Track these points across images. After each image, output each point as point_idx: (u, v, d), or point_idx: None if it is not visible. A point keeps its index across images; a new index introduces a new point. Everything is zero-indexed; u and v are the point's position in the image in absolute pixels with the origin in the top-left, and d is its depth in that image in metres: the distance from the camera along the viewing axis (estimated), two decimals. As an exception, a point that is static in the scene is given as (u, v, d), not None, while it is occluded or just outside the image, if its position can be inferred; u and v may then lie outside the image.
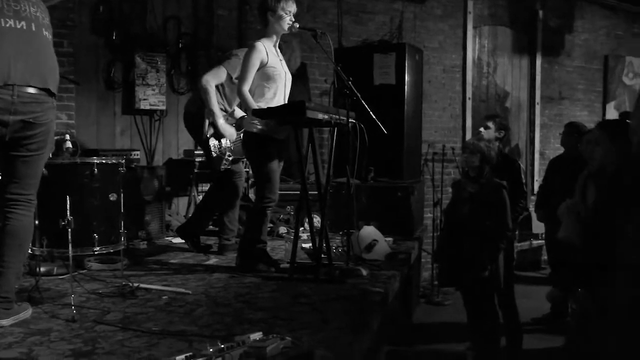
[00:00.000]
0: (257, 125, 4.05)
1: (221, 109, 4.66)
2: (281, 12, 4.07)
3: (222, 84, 4.71)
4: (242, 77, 4.07)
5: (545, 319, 5.63)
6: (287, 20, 4.10)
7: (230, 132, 4.66)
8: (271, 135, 4.08)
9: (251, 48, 4.08)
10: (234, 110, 4.81)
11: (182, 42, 6.29)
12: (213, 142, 4.66)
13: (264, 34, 4.19)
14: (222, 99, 4.76)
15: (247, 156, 4.46)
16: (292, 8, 4.12)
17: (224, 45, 6.33)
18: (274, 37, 4.18)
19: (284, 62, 4.30)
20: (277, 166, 4.16)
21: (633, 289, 3.00)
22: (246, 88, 4.03)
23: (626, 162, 3.23)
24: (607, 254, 3.05)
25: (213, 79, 4.61)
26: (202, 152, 5.07)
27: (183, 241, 5.08)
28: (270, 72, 4.09)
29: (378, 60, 6.16)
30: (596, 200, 3.32)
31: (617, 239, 3.08)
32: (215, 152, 4.67)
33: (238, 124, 4.85)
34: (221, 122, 4.60)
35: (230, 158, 4.74)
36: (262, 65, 4.05)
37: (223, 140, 4.67)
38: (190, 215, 5.34)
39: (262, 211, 4.17)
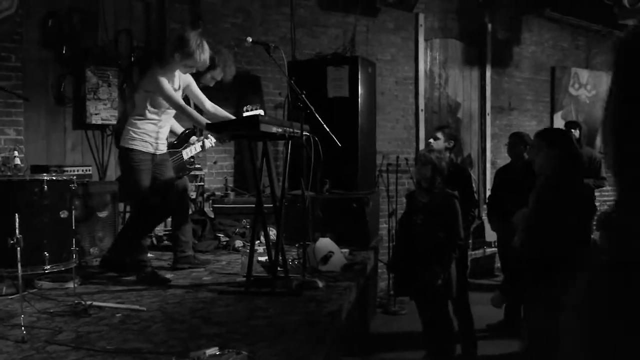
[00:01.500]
0: (129, 142, 4.35)
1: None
2: (194, 65, 4.36)
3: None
4: (173, 105, 4.32)
5: (499, 325, 5.73)
6: (191, 71, 4.44)
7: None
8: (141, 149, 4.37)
9: (156, 80, 4.27)
10: (191, 130, 4.90)
11: (134, 56, 6.23)
12: None
13: (165, 63, 4.40)
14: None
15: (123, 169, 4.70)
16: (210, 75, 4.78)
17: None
18: (174, 73, 4.44)
19: (180, 91, 4.52)
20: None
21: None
22: (181, 103, 4.30)
23: (559, 168, 3.37)
24: (548, 256, 3.15)
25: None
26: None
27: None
28: (159, 102, 4.36)
29: (331, 73, 6.22)
30: (535, 204, 3.43)
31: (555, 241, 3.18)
32: None
33: (179, 143, 4.96)
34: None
35: None
36: (153, 90, 4.31)
37: None
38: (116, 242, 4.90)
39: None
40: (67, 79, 5.90)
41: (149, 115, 4.40)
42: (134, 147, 4.36)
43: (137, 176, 4.36)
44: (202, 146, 5.19)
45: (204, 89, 4.79)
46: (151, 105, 4.37)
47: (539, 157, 3.52)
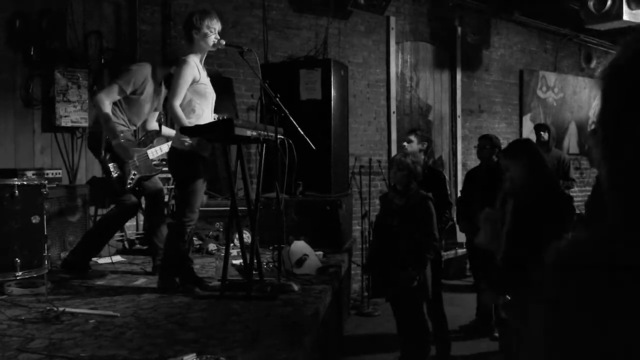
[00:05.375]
0: (186, 142, 4.01)
1: (121, 124, 4.57)
2: (206, 30, 4.07)
3: (119, 100, 4.61)
4: (174, 92, 4.01)
5: (472, 326, 5.79)
6: (212, 38, 4.10)
7: (125, 153, 4.49)
8: (198, 152, 4.05)
9: (183, 63, 4.03)
10: (159, 130, 4.76)
11: (104, 58, 6.14)
12: (112, 162, 4.55)
13: (189, 50, 4.16)
14: (122, 114, 4.64)
15: (173, 172, 4.39)
16: (217, 26, 4.13)
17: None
18: (200, 55, 4.17)
19: (209, 79, 4.28)
20: (201, 184, 4.13)
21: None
22: (177, 103, 3.99)
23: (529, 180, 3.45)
24: (529, 260, 3.20)
25: (107, 98, 4.50)
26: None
27: (109, 261, 4.95)
28: (202, 89, 4.09)
29: (304, 76, 6.23)
30: (513, 211, 3.49)
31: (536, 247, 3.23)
32: (116, 172, 4.54)
33: (144, 141, 4.81)
34: (115, 142, 4.45)
35: (136, 176, 4.62)
36: (195, 82, 4.03)
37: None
38: (79, 245, 4.75)
39: (182, 229, 4.09)
40: (36, 80, 5.79)
41: (197, 109, 4.08)
42: (188, 148, 4.02)
43: (189, 177, 4.06)
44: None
45: None
46: (196, 97, 4.07)
47: (508, 175, 3.62)
